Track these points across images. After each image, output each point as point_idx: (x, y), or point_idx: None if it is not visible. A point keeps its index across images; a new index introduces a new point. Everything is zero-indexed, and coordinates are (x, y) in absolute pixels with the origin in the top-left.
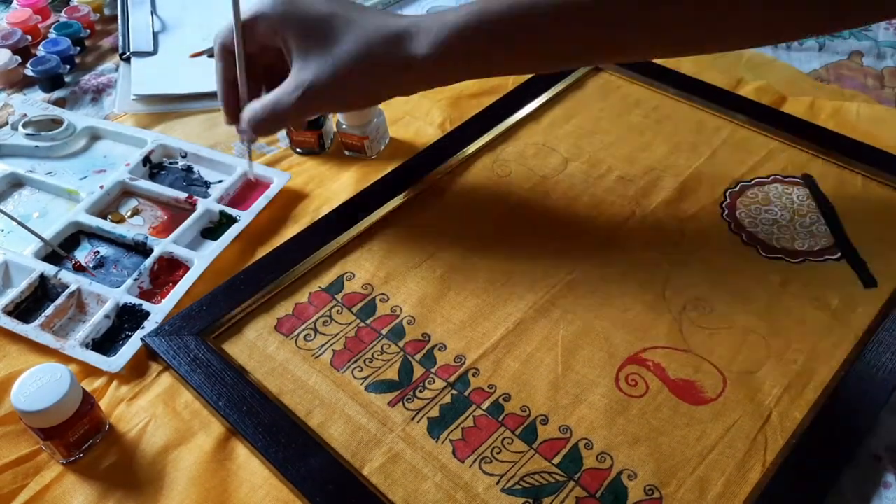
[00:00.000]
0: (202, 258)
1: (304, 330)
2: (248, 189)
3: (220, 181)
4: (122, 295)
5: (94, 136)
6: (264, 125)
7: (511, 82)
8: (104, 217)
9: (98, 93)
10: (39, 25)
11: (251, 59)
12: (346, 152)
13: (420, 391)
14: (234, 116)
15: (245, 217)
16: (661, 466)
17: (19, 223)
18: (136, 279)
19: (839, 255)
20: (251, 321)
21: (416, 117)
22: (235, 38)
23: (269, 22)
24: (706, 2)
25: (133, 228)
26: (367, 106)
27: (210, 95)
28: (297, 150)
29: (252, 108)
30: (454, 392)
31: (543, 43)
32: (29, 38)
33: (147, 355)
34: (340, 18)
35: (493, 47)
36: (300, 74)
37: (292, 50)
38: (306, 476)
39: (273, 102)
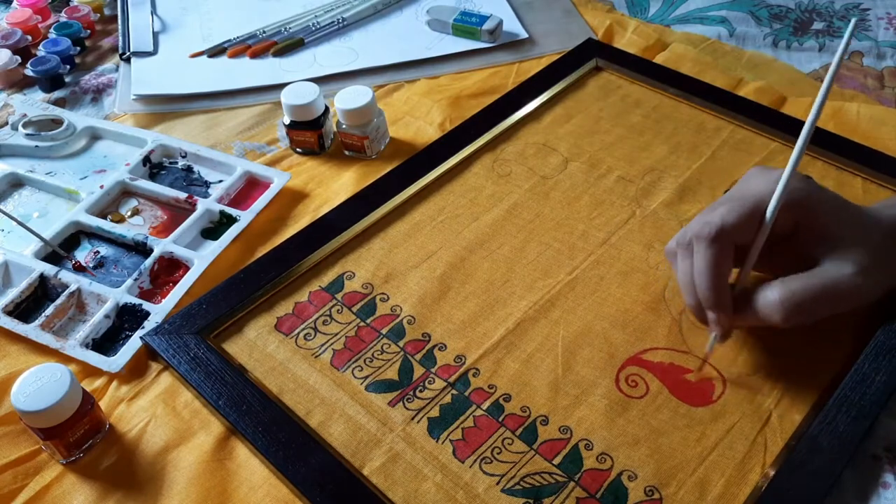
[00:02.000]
0: (202, 258)
1: (304, 329)
2: (248, 189)
3: (220, 181)
4: (122, 295)
5: (94, 136)
6: (805, 308)
7: (511, 83)
8: (104, 217)
9: (98, 93)
10: (39, 25)
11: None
12: (346, 152)
13: (420, 391)
14: (725, 308)
15: (245, 217)
16: (661, 467)
17: (19, 223)
18: (136, 279)
19: None
20: (251, 320)
21: (416, 117)
22: (766, 221)
23: (799, 201)
24: None
25: (133, 228)
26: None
27: (210, 95)
28: (297, 150)
29: (786, 288)
30: (454, 392)
31: None
32: (29, 38)
33: (147, 355)
34: (856, 210)
35: None
36: (855, 258)
37: (828, 233)
38: (306, 476)
39: (823, 284)
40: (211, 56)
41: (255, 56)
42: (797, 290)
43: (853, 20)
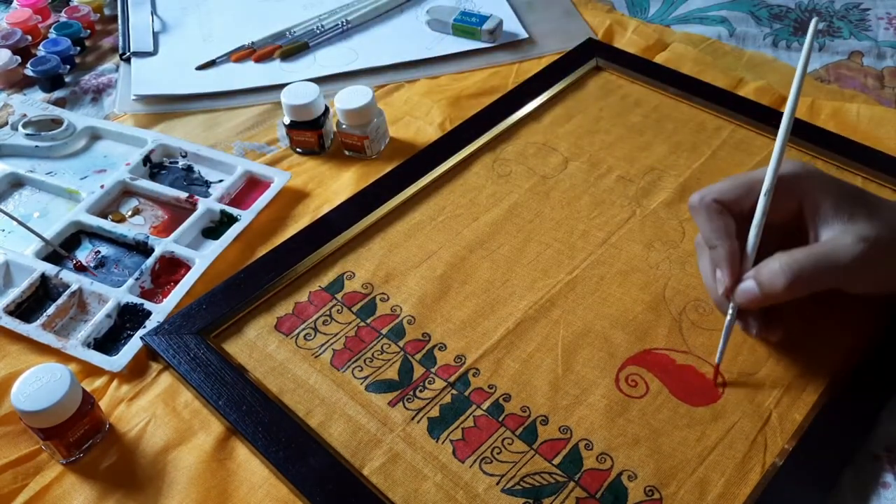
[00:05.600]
0: (203, 257)
1: (304, 329)
2: (248, 189)
3: (221, 181)
4: (123, 294)
5: (94, 136)
6: (807, 277)
7: (511, 82)
8: (105, 217)
9: (98, 93)
10: (39, 25)
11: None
12: (346, 152)
13: (420, 391)
14: (736, 283)
15: (246, 216)
16: (661, 467)
17: (20, 223)
18: (137, 279)
19: None
20: (251, 320)
21: (416, 117)
22: (764, 193)
23: (797, 183)
24: None
25: (134, 228)
26: (887, 287)
27: (210, 95)
28: (298, 149)
29: (788, 257)
30: (454, 392)
31: None
32: (29, 38)
33: (147, 355)
34: (868, 194)
35: None
36: (855, 229)
37: (828, 211)
38: (306, 476)
39: (823, 254)
40: (216, 64)
41: (259, 61)
42: (799, 258)
43: (814, 20)
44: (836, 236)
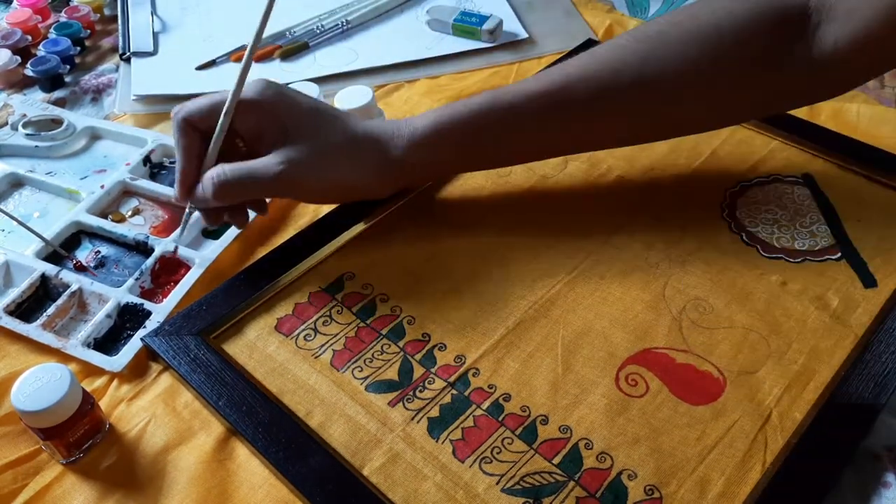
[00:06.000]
0: (203, 257)
1: (304, 330)
2: None
3: None
4: (123, 294)
5: (94, 136)
6: (230, 188)
7: (511, 82)
8: (105, 217)
9: (98, 93)
10: (39, 25)
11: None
12: None
13: (420, 391)
14: (188, 193)
15: None
16: (661, 466)
17: (20, 223)
18: (137, 279)
19: (839, 255)
20: (251, 321)
21: None
22: (225, 113)
23: (255, 107)
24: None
25: (134, 228)
26: (338, 201)
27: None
28: None
29: (220, 169)
30: (454, 392)
31: (495, 146)
32: (29, 38)
33: (147, 355)
34: (328, 114)
35: (453, 151)
36: (285, 152)
37: (275, 134)
38: (306, 476)
39: (249, 169)
40: (216, 64)
41: (259, 61)
42: (227, 170)
43: None
44: (267, 157)
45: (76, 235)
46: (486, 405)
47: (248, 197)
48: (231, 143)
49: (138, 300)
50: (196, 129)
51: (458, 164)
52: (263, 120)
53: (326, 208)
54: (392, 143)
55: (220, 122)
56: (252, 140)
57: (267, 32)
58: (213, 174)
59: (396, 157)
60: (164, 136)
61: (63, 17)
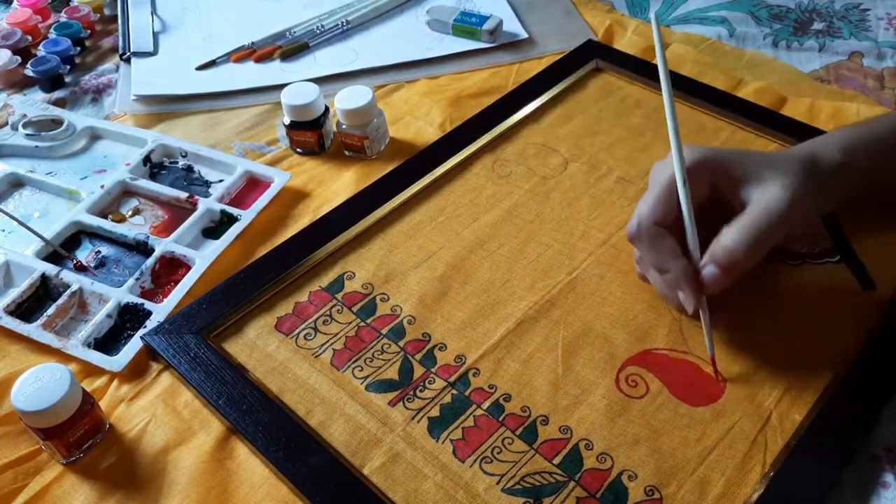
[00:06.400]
0: (203, 257)
1: (304, 329)
2: (248, 188)
3: (221, 181)
4: (123, 294)
5: (94, 136)
6: (760, 241)
7: (511, 83)
8: (105, 217)
9: (98, 93)
10: (39, 25)
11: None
12: (346, 152)
13: (420, 391)
14: (700, 291)
15: (246, 216)
16: (661, 467)
17: (20, 223)
18: (137, 278)
19: (838, 257)
20: (251, 320)
21: (416, 117)
22: (681, 189)
23: (704, 165)
24: None
25: (134, 228)
26: (810, 229)
27: (210, 95)
28: (298, 150)
29: (729, 240)
30: (454, 392)
31: None
32: (29, 38)
33: (147, 355)
34: (757, 154)
35: (874, 164)
36: (773, 182)
37: (742, 179)
38: (306, 475)
39: (762, 212)
40: (216, 65)
41: (259, 61)
42: (745, 223)
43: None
44: (761, 194)
45: (76, 235)
46: (486, 405)
47: (774, 242)
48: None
49: (138, 300)
50: (663, 229)
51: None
52: (710, 180)
53: (327, 208)
54: (822, 162)
55: (682, 197)
56: (710, 216)
57: (267, 32)
58: (730, 236)
59: (831, 173)
60: (164, 136)
61: (63, 17)
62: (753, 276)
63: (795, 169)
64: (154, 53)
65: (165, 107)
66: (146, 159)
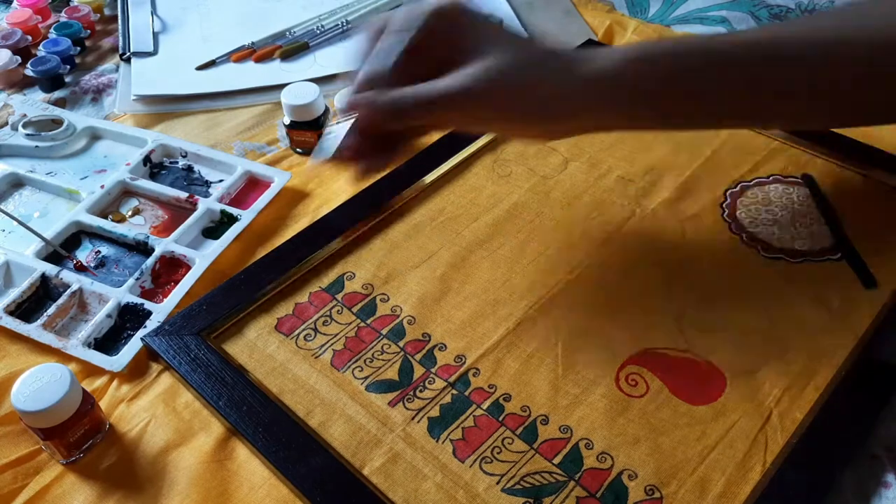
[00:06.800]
0: (203, 257)
1: (304, 330)
2: (248, 188)
3: (221, 180)
4: (123, 294)
5: (95, 136)
6: (416, 105)
7: None
8: (105, 217)
9: (98, 93)
10: (39, 25)
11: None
12: None
13: (420, 391)
14: (363, 87)
15: (246, 216)
16: (661, 466)
17: (20, 223)
18: (137, 278)
19: (839, 255)
20: (251, 321)
21: None
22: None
23: (444, 16)
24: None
25: (134, 228)
26: (519, 129)
27: (210, 95)
28: (298, 150)
29: (412, 89)
30: (454, 392)
31: (705, 94)
32: (29, 38)
33: (147, 355)
34: (511, 31)
35: (657, 88)
36: (480, 62)
37: (466, 46)
38: (306, 476)
39: (434, 83)
40: (216, 65)
41: (259, 61)
42: (418, 88)
43: None
44: (455, 73)
45: (76, 235)
46: (486, 405)
47: (432, 114)
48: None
49: (138, 300)
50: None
51: (654, 111)
52: (453, 32)
53: (327, 208)
54: (585, 65)
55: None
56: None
57: (267, 32)
58: (404, 92)
59: (592, 79)
60: (164, 136)
61: (63, 17)
62: (755, 275)
63: (537, 52)
64: (154, 53)
65: (165, 107)
66: (146, 159)
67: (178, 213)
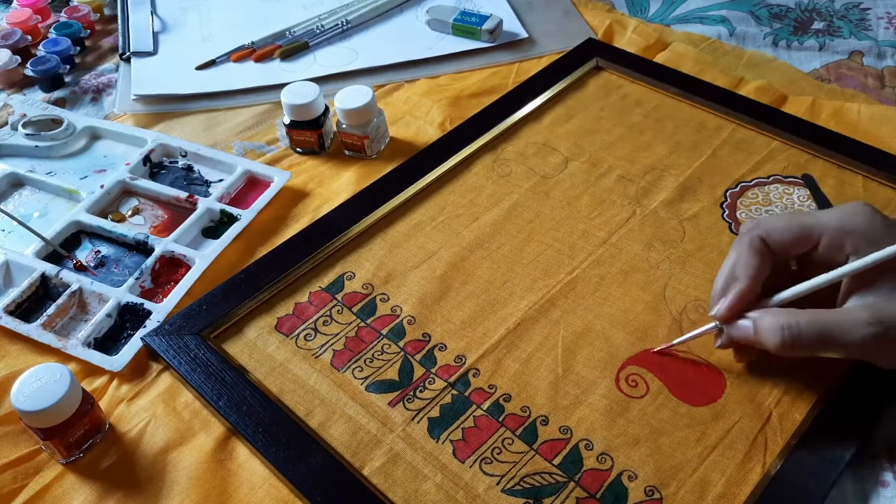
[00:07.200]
0: (203, 257)
1: (304, 329)
2: (248, 188)
3: (221, 180)
4: (123, 294)
5: (94, 135)
6: (800, 344)
7: (511, 82)
8: (105, 216)
9: (98, 93)
10: (39, 25)
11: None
12: (346, 152)
13: (420, 391)
14: (732, 316)
15: (246, 216)
16: (661, 467)
17: (20, 223)
18: (137, 278)
19: None
20: (251, 321)
21: (416, 117)
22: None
23: (829, 233)
24: None
25: (134, 228)
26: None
27: (210, 95)
28: (297, 149)
29: (794, 319)
30: (454, 392)
31: None
32: (29, 38)
33: (147, 355)
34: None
35: None
36: (872, 301)
37: (842, 260)
38: (306, 476)
39: (828, 324)
40: (216, 64)
41: (259, 60)
42: (803, 323)
43: None
44: (850, 309)
45: (76, 235)
46: (486, 405)
47: (813, 354)
48: (783, 264)
49: (138, 300)
50: (771, 253)
51: None
52: (836, 250)
53: (327, 208)
54: None
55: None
56: (807, 263)
57: (267, 32)
58: (785, 322)
59: None
60: (164, 136)
61: (63, 17)
62: None
63: None
64: (154, 53)
65: (165, 106)
66: (146, 159)
67: (177, 212)
